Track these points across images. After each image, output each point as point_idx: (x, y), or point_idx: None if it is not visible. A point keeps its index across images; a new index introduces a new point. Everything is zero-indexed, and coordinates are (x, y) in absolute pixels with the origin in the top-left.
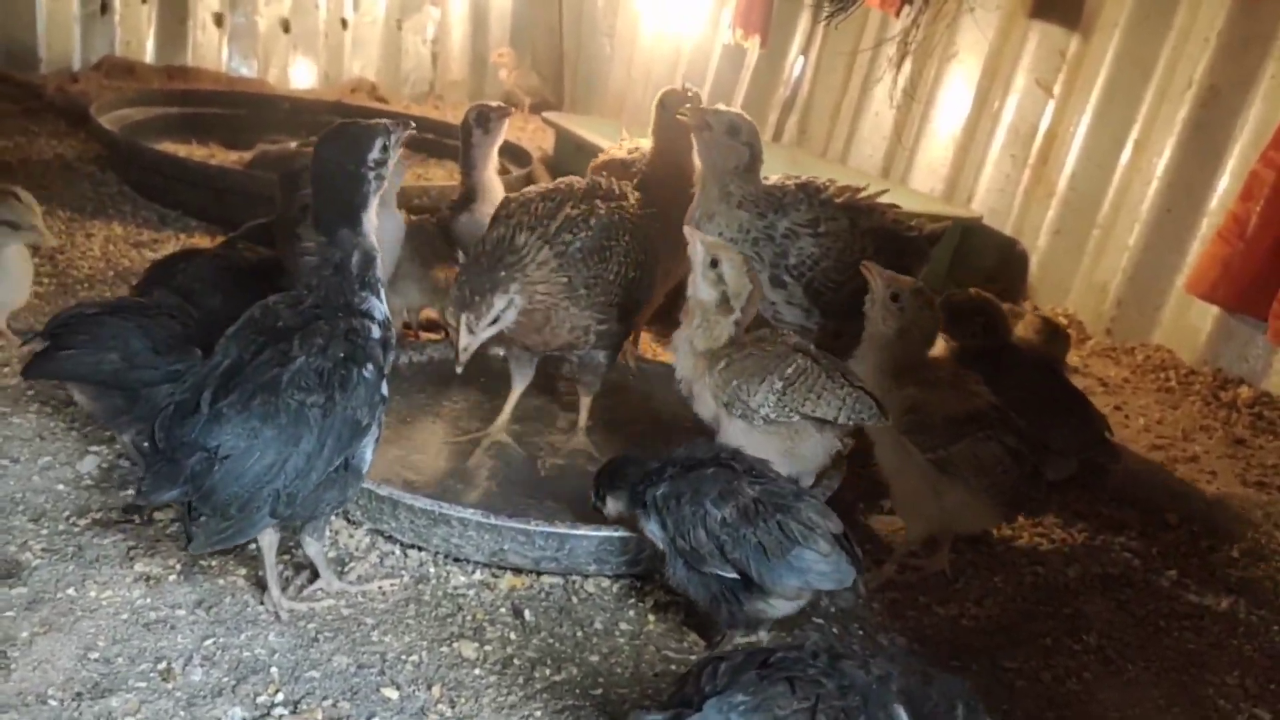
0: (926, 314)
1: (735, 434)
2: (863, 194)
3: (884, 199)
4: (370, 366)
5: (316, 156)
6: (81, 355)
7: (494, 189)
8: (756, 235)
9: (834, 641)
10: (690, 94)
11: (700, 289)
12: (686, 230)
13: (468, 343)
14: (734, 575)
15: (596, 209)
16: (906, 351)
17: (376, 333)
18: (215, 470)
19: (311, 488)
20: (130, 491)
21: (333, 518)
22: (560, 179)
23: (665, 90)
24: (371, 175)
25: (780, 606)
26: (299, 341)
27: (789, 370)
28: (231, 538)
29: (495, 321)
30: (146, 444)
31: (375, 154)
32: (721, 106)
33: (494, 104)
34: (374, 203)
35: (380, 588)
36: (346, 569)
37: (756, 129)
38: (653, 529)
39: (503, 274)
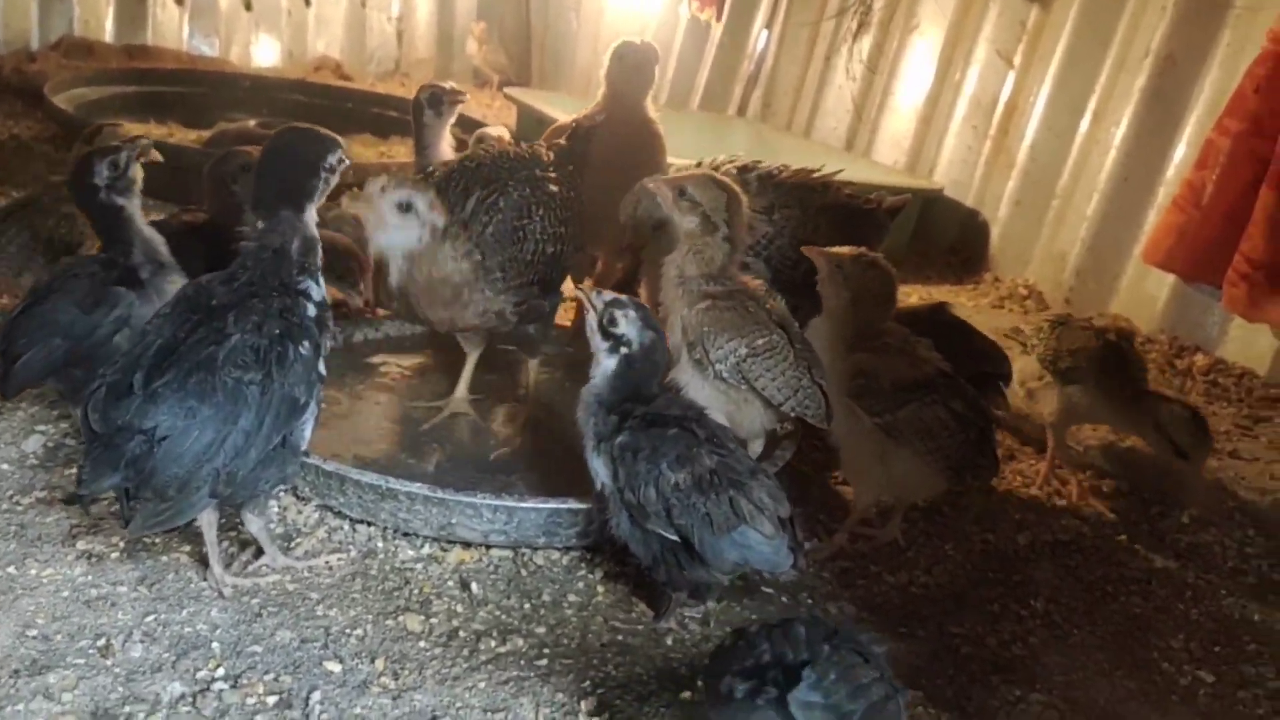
0: (871, 275)
1: (686, 375)
2: (817, 174)
3: (847, 173)
4: (306, 344)
5: (276, 141)
6: (33, 356)
7: None
8: None
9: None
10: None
11: (681, 221)
12: (643, 182)
13: (347, 205)
14: (675, 538)
15: (506, 188)
16: (864, 317)
17: (312, 311)
18: (154, 452)
19: (251, 466)
20: (72, 473)
21: (280, 494)
22: (469, 152)
23: (621, 41)
24: (324, 175)
25: (717, 576)
26: (234, 319)
27: (759, 341)
28: (171, 519)
29: (404, 208)
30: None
31: (332, 160)
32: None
33: (448, 86)
34: (317, 201)
35: (326, 562)
36: (293, 544)
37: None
38: (600, 472)
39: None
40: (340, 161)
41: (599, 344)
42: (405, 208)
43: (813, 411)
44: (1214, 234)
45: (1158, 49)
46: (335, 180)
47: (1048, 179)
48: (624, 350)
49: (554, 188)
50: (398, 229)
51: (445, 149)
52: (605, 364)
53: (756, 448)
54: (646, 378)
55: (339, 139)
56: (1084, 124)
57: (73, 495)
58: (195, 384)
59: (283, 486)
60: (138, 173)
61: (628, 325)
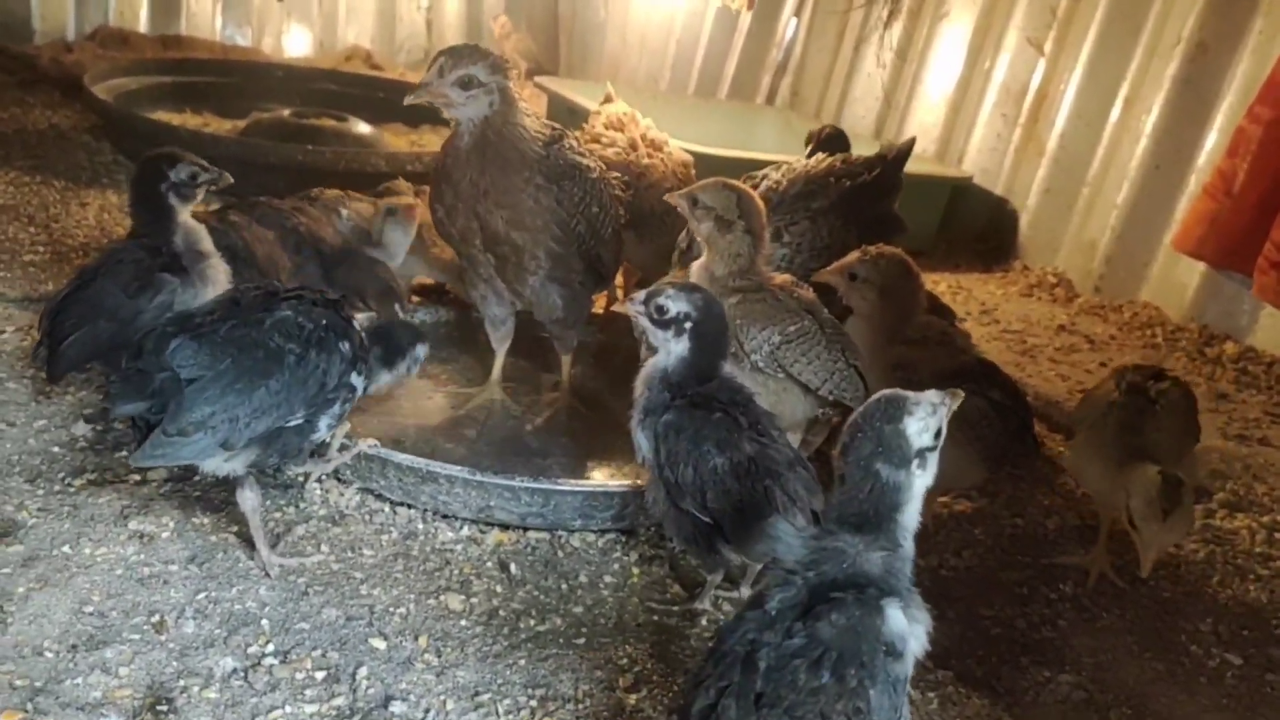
0: (886, 267)
1: (723, 370)
2: (812, 170)
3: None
4: (347, 345)
5: None
6: (80, 338)
7: None
8: None
9: None
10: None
11: (698, 228)
12: (665, 198)
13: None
14: (708, 521)
15: (562, 134)
16: (894, 311)
17: (354, 335)
18: (184, 389)
19: (265, 428)
20: (123, 455)
21: (324, 478)
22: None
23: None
24: None
25: (749, 562)
26: (287, 301)
27: (791, 328)
28: (174, 456)
29: (463, 85)
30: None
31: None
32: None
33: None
34: None
35: (303, 564)
36: (280, 543)
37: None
38: (643, 444)
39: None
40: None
41: (662, 337)
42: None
43: (851, 394)
44: (1245, 222)
45: (1189, 36)
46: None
47: (1078, 167)
48: (690, 324)
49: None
50: None
51: None
52: (677, 349)
53: (794, 440)
54: (718, 342)
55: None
56: (1115, 112)
57: (98, 412)
58: (239, 334)
59: (280, 468)
60: (200, 194)
61: (677, 303)
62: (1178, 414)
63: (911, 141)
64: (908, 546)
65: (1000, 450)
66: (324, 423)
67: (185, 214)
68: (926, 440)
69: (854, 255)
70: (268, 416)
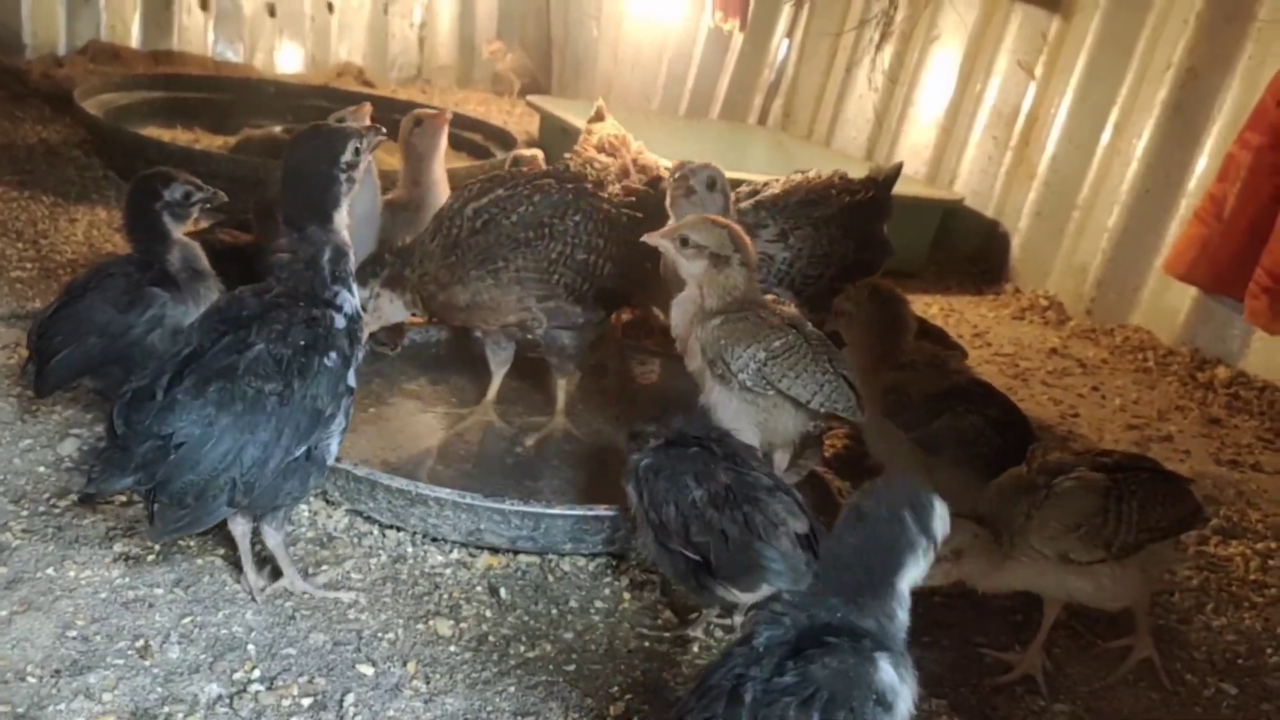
0: (876, 301)
1: (714, 394)
2: (812, 182)
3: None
4: (333, 355)
5: (290, 155)
6: (69, 355)
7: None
8: None
9: None
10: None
11: (690, 267)
12: (645, 237)
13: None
14: (696, 558)
15: (545, 187)
16: (882, 342)
17: (341, 323)
18: (169, 458)
19: (270, 477)
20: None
21: (310, 499)
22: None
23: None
24: (343, 177)
25: (741, 595)
26: (258, 328)
27: (776, 343)
28: (189, 526)
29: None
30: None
31: (348, 156)
32: (695, 163)
33: (431, 110)
34: (345, 204)
35: (340, 597)
36: (320, 562)
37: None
38: (631, 494)
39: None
40: (357, 152)
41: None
42: None
43: (843, 406)
44: (1236, 247)
45: (1179, 61)
46: (360, 171)
47: (1069, 190)
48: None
49: (605, 205)
50: None
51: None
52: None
53: (781, 460)
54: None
55: (350, 128)
56: (1105, 136)
57: (85, 495)
58: (214, 392)
59: (304, 500)
60: (194, 213)
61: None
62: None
63: (899, 166)
64: (902, 617)
65: (999, 469)
66: (334, 442)
67: (179, 233)
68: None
69: (854, 287)
70: (265, 465)
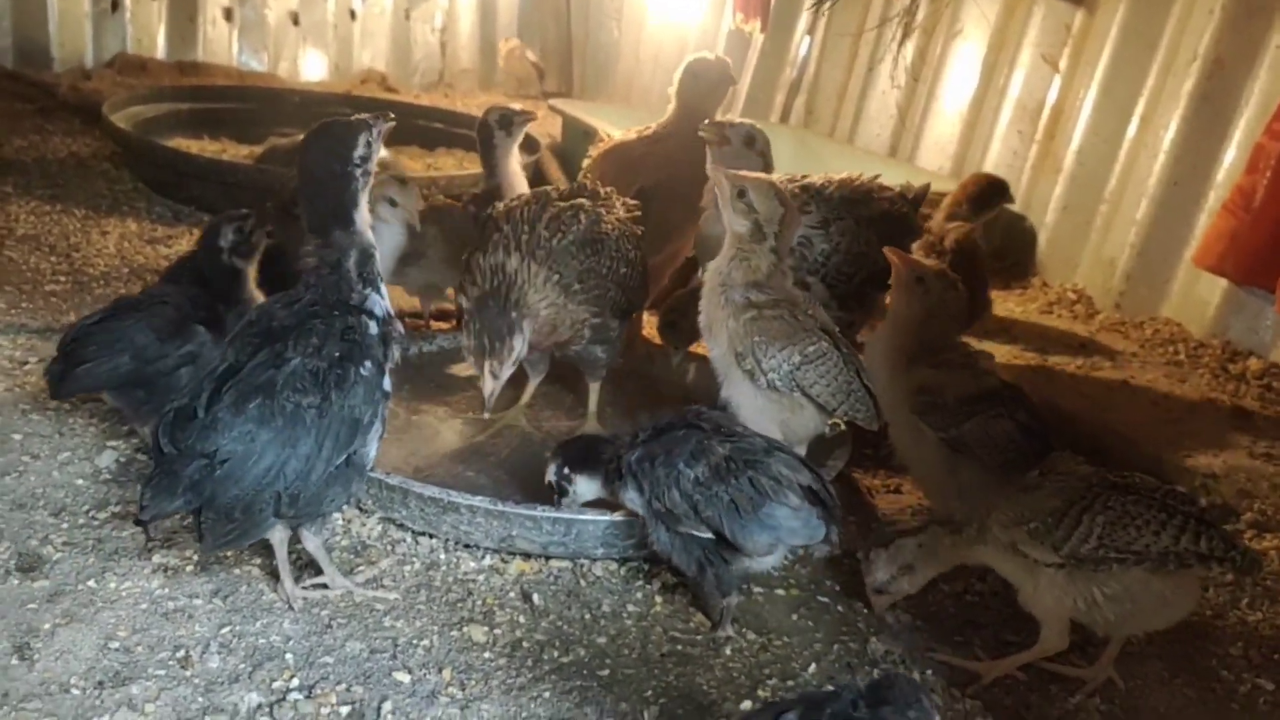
0: (951, 294)
1: (737, 387)
2: (857, 181)
3: (891, 179)
4: (368, 364)
5: (302, 160)
6: (96, 366)
7: (518, 185)
8: None
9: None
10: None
11: (733, 221)
12: (710, 170)
13: (493, 387)
14: (709, 535)
15: (582, 206)
16: (932, 332)
17: (374, 329)
18: (214, 475)
19: (314, 487)
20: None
21: (344, 508)
22: (541, 187)
23: (695, 58)
24: (359, 173)
25: (759, 563)
26: (294, 342)
27: (810, 348)
28: (238, 539)
29: (516, 359)
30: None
31: (360, 150)
32: (735, 119)
33: (517, 108)
34: (364, 199)
35: (381, 596)
36: (355, 569)
37: (769, 140)
38: (631, 496)
39: (514, 315)
40: (369, 144)
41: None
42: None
43: (863, 415)
44: (1266, 238)
45: (1205, 52)
46: (374, 162)
47: (1095, 183)
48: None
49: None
50: None
51: (515, 166)
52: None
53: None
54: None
55: (357, 122)
56: (1131, 128)
57: (138, 521)
58: (255, 409)
59: (347, 504)
60: (260, 239)
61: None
62: None
63: (927, 187)
64: None
65: (1024, 472)
66: (373, 447)
67: (250, 273)
68: None
69: (936, 264)
70: (309, 477)
